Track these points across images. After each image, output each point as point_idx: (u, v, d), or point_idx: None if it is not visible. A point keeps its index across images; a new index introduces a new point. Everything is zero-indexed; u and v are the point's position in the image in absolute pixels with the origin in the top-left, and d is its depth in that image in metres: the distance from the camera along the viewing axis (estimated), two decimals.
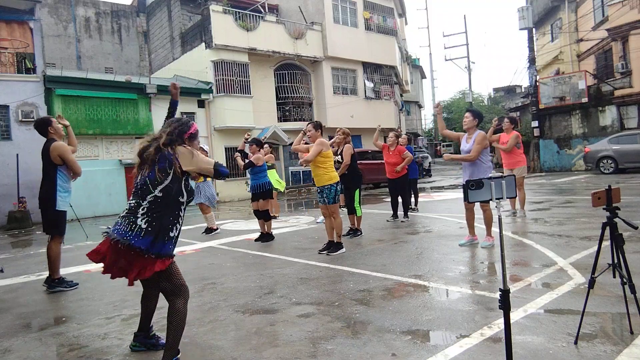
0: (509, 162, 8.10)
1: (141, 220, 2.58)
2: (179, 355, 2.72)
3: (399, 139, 8.54)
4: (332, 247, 5.92)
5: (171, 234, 2.67)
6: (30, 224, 12.65)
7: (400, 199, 8.61)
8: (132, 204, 2.65)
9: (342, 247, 5.95)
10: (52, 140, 4.85)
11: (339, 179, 6.01)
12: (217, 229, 8.67)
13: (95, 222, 12.75)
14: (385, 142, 8.52)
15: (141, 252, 2.54)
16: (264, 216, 7.37)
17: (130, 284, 2.66)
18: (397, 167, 8.22)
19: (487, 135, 5.90)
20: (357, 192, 7.07)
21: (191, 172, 2.72)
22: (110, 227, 2.68)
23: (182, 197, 2.70)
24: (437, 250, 5.73)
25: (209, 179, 8.63)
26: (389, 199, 9.00)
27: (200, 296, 4.33)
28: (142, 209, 2.60)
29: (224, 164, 16.21)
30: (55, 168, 4.80)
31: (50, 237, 4.92)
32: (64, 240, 5.12)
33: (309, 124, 6.09)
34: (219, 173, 2.78)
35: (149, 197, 2.61)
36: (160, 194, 2.61)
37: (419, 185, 11.58)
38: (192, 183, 3.12)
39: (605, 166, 16.68)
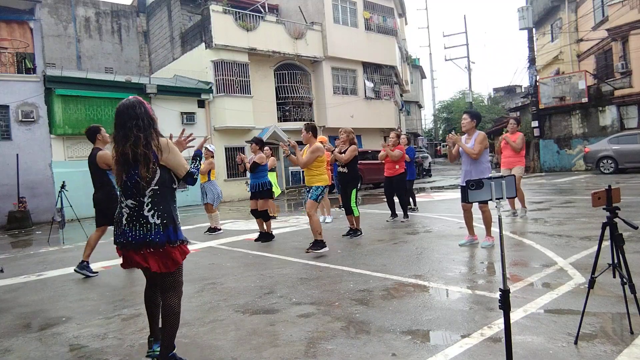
0: (508, 162, 8.07)
1: (152, 217, 2.59)
2: (174, 350, 2.74)
3: (400, 138, 8.64)
4: (313, 244, 5.97)
5: (179, 220, 2.76)
6: (30, 224, 12.64)
7: (397, 199, 8.61)
8: (130, 205, 2.62)
9: (325, 246, 5.94)
10: (98, 149, 5.45)
11: (328, 183, 6.24)
12: (220, 229, 8.68)
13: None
14: (385, 142, 8.68)
15: (170, 243, 2.62)
16: (263, 216, 7.38)
17: (173, 269, 2.69)
18: (394, 152, 8.23)
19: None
20: (354, 192, 7.08)
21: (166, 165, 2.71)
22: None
23: (175, 184, 2.78)
24: (437, 250, 5.73)
25: (213, 179, 8.66)
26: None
27: (200, 296, 4.33)
28: (147, 206, 2.60)
29: (224, 164, 15.95)
30: (106, 171, 5.46)
31: (98, 227, 5.63)
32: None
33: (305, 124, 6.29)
34: (187, 180, 2.80)
35: (147, 192, 2.61)
36: (157, 187, 2.64)
37: (418, 186, 11.61)
38: (197, 183, 3.11)
39: (605, 166, 16.68)
